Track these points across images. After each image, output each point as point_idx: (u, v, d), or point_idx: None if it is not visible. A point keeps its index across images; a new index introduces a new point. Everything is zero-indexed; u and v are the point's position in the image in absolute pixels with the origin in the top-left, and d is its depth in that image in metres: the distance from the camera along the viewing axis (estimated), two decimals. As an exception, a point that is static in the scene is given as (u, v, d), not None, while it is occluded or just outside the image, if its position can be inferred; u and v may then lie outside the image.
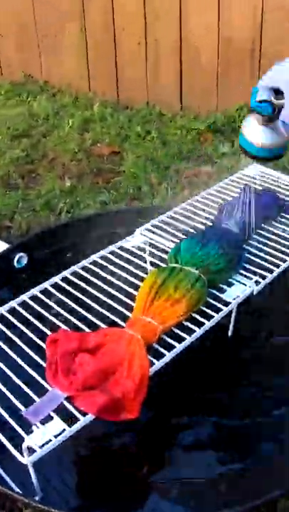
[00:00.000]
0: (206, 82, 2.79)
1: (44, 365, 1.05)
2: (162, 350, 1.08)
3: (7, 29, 3.46)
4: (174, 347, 1.09)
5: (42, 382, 1.02)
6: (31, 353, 1.09)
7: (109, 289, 1.24)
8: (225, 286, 1.21)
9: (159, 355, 1.07)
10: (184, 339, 1.10)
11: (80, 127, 2.82)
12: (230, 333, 1.45)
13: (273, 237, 1.37)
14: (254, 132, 1.21)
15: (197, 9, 2.65)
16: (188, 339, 1.11)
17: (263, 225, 1.41)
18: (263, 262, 1.29)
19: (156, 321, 1.09)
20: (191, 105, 2.86)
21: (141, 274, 1.29)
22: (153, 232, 1.43)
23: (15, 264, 1.67)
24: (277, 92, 1.15)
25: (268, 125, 1.19)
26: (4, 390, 1.02)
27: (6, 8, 3.38)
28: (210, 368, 1.39)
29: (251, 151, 1.23)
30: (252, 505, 1.01)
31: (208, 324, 1.14)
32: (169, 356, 1.07)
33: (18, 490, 0.99)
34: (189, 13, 2.68)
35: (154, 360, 1.06)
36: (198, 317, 1.15)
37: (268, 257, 1.31)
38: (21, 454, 0.91)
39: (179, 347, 1.09)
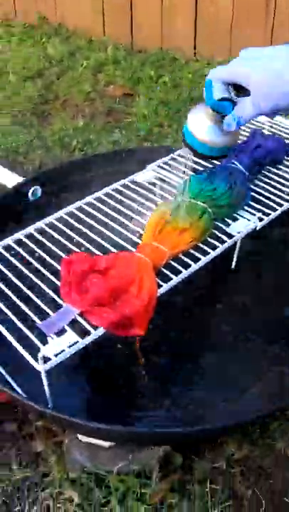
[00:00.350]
0: (220, 29, 2.80)
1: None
2: (170, 274, 1.15)
3: None
4: (181, 272, 1.16)
5: (58, 300, 1.09)
6: (48, 275, 1.15)
7: (121, 219, 1.30)
8: (230, 221, 1.28)
9: (166, 280, 1.14)
10: (189, 266, 1.17)
11: (94, 69, 2.85)
12: (233, 266, 1.52)
13: (279, 179, 1.43)
14: (207, 130, 1.10)
15: None
16: (194, 266, 1.17)
17: (269, 167, 1.46)
18: (267, 201, 1.35)
19: (165, 247, 1.16)
20: (204, 52, 2.87)
21: (151, 205, 1.35)
22: (163, 169, 1.49)
23: (29, 196, 1.73)
24: (236, 87, 1.01)
25: (219, 123, 1.08)
26: (22, 305, 1.09)
27: None
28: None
29: (204, 151, 1.14)
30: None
31: (212, 254, 1.20)
32: (175, 280, 1.14)
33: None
34: None
35: (162, 283, 1.12)
36: (204, 247, 1.22)
37: (272, 196, 1.37)
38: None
39: (185, 272, 1.16)
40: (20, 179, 1.81)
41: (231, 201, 1.29)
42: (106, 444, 1.15)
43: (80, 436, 1.17)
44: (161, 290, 1.11)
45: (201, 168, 1.44)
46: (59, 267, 1.15)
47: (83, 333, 1.04)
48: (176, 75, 2.74)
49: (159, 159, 1.52)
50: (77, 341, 1.01)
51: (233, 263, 1.51)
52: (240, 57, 0.99)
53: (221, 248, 1.22)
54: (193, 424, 1.09)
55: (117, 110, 2.49)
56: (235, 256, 1.49)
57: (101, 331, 1.04)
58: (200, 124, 1.10)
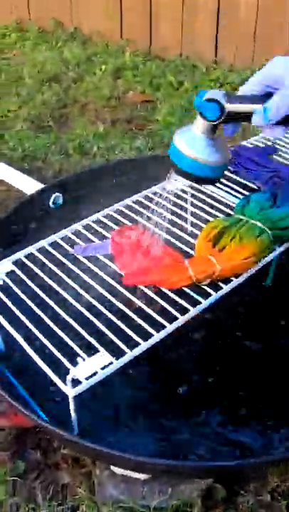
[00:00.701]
0: (243, 35, 2.72)
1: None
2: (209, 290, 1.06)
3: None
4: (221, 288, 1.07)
5: (88, 314, 1.00)
6: (78, 288, 1.07)
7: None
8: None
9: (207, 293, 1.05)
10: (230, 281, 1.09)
11: (112, 74, 2.78)
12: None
13: None
14: (194, 143, 0.97)
15: None
16: (235, 281, 1.09)
17: None
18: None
19: (218, 262, 1.07)
20: (226, 58, 2.80)
21: (183, 213, 1.28)
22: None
23: (50, 204, 1.65)
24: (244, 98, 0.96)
25: (211, 136, 0.97)
26: (51, 323, 0.99)
27: None
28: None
29: (194, 170, 0.98)
30: None
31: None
32: (216, 296, 1.06)
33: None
34: None
35: (201, 299, 1.04)
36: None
37: None
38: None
39: (226, 288, 1.07)
40: (40, 185, 1.74)
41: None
42: (142, 476, 1.05)
43: (112, 468, 1.07)
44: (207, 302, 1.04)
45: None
46: (85, 277, 1.08)
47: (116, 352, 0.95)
48: (197, 82, 2.66)
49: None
50: (112, 362, 0.92)
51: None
52: (275, 61, 0.97)
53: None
54: (237, 457, 1.00)
55: (137, 116, 2.41)
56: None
57: (138, 351, 0.95)
58: (189, 139, 0.98)
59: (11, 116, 2.43)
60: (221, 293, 1.07)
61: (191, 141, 0.97)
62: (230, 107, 0.94)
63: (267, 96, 0.95)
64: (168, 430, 1.09)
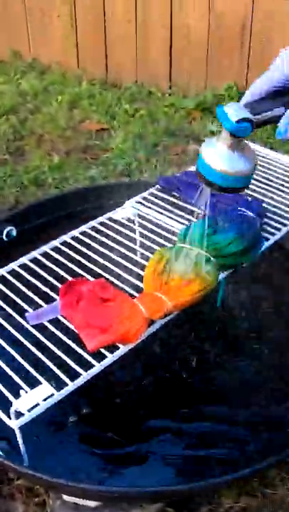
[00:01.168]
0: (196, 60, 2.78)
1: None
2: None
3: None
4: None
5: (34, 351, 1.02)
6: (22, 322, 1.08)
7: (100, 260, 1.24)
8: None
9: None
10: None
11: (69, 104, 2.81)
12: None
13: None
14: (226, 158, 0.99)
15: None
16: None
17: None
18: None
19: (168, 298, 1.07)
20: (180, 84, 2.85)
21: (131, 244, 1.30)
22: (143, 205, 1.43)
23: (4, 236, 1.67)
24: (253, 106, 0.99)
25: (238, 147, 0.99)
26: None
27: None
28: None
29: (224, 183, 1.01)
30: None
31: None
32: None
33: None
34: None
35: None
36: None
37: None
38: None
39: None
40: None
41: (240, 249, 1.20)
42: (92, 503, 1.06)
43: (64, 496, 1.09)
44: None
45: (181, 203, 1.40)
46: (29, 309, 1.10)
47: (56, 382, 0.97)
48: (152, 109, 2.70)
49: (137, 195, 1.46)
50: (53, 394, 0.93)
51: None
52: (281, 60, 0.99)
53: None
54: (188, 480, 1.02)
55: (92, 146, 2.44)
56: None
57: (79, 382, 0.97)
58: (217, 153, 0.99)
59: None
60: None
61: (220, 155, 0.99)
62: (259, 119, 0.97)
63: (282, 94, 0.98)
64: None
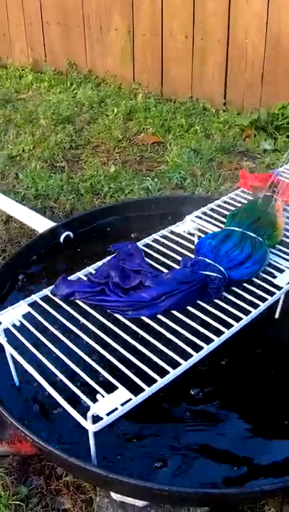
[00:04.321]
0: (251, 78, 2.81)
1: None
2: (222, 328, 1.11)
3: (52, 16, 3.51)
4: (232, 325, 1.12)
5: (107, 356, 1.06)
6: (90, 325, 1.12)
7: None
8: (276, 272, 1.24)
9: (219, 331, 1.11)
10: (240, 319, 1.14)
11: (124, 116, 2.86)
12: (277, 315, 1.48)
13: None
14: None
15: (246, 5, 2.67)
16: (245, 319, 1.14)
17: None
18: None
19: None
20: (235, 101, 2.88)
21: (192, 256, 1.32)
22: (202, 219, 1.46)
23: (61, 241, 1.72)
24: None
25: None
26: (68, 361, 1.04)
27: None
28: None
29: None
30: None
31: (262, 306, 1.17)
32: (228, 333, 1.11)
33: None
34: (238, 9, 2.70)
35: (214, 337, 1.09)
36: (252, 299, 1.18)
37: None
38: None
39: (236, 325, 1.12)
40: (51, 224, 1.80)
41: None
42: (140, 503, 1.09)
43: (113, 495, 1.12)
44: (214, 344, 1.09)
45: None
46: (98, 316, 1.13)
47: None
48: (206, 125, 2.74)
49: (196, 209, 1.50)
50: (130, 399, 0.96)
51: (277, 313, 1.47)
52: None
53: (271, 300, 1.19)
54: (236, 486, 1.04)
55: (148, 158, 2.49)
56: (279, 307, 1.44)
57: (156, 387, 0.99)
58: None
59: (25, 156, 2.51)
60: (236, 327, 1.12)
61: None
62: None
63: None
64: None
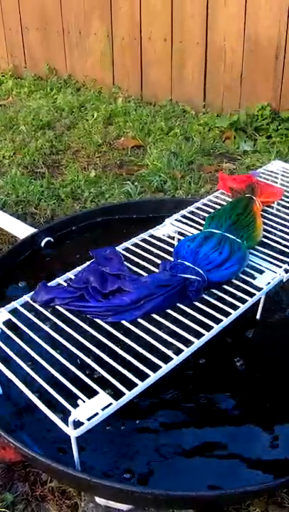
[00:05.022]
0: (230, 80, 2.82)
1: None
2: (201, 329, 1.11)
3: (31, 22, 3.51)
4: (212, 327, 1.12)
5: (88, 361, 1.05)
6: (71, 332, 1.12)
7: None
8: (256, 274, 1.25)
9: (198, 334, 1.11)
10: (220, 320, 1.14)
11: (104, 120, 2.87)
12: (258, 317, 1.49)
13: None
14: None
15: (224, 7, 2.69)
16: (225, 320, 1.14)
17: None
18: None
19: None
20: (214, 103, 2.89)
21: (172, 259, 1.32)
22: (182, 222, 1.46)
23: (42, 247, 1.72)
24: None
25: None
26: (49, 368, 1.05)
27: (31, 1, 3.43)
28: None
29: None
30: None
31: (242, 307, 1.17)
32: (208, 335, 1.11)
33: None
34: (216, 12, 2.71)
35: (194, 339, 1.09)
36: (232, 301, 1.19)
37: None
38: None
39: (216, 327, 1.12)
40: (32, 230, 1.80)
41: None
42: (125, 507, 1.09)
43: (97, 499, 1.12)
44: (198, 344, 1.09)
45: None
46: (80, 322, 1.13)
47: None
48: (186, 128, 2.75)
49: (175, 212, 1.50)
50: (111, 403, 0.96)
51: (258, 314, 1.48)
52: None
53: (251, 301, 1.19)
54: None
55: (128, 162, 2.49)
56: (260, 308, 1.45)
57: (136, 391, 0.99)
58: None
59: (6, 162, 2.51)
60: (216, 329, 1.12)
61: None
62: None
63: None
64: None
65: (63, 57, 3.45)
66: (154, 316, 1.14)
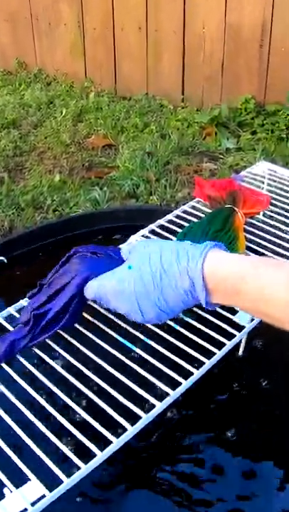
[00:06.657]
0: (210, 72, 2.60)
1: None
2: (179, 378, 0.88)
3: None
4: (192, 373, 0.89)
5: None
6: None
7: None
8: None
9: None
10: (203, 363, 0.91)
11: (74, 118, 2.63)
12: (240, 353, 1.29)
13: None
14: None
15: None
16: (206, 365, 0.91)
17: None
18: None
19: None
20: (194, 97, 2.67)
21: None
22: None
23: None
24: None
25: None
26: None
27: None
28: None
29: None
30: None
31: (226, 347, 0.95)
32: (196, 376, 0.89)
33: None
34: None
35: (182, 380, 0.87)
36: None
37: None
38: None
39: (196, 374, 0.89)
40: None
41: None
42: None
43: None
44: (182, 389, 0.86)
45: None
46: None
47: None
48: (163, 124, 2.51)
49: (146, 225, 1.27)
50: (44, 495, 0.72)
51: (241, 350, 1.26)
52: None
53: (236, 339, 0.96)
54: None
55: (97, 163, 2.25)
56: (242, 344, 1.24)
57: (75, 479, 0.75)
58: None
59: None
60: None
61: None
62: None
63: None
64: None
65: (33, 50, 3.22)
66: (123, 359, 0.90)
